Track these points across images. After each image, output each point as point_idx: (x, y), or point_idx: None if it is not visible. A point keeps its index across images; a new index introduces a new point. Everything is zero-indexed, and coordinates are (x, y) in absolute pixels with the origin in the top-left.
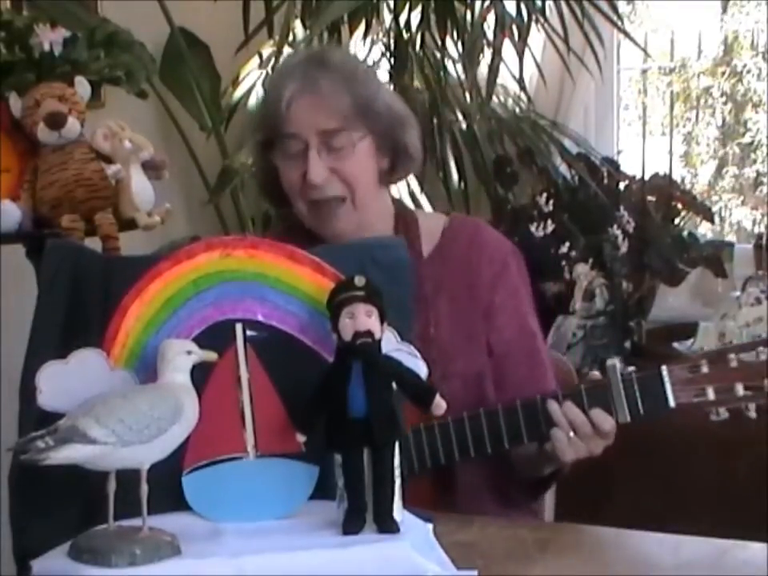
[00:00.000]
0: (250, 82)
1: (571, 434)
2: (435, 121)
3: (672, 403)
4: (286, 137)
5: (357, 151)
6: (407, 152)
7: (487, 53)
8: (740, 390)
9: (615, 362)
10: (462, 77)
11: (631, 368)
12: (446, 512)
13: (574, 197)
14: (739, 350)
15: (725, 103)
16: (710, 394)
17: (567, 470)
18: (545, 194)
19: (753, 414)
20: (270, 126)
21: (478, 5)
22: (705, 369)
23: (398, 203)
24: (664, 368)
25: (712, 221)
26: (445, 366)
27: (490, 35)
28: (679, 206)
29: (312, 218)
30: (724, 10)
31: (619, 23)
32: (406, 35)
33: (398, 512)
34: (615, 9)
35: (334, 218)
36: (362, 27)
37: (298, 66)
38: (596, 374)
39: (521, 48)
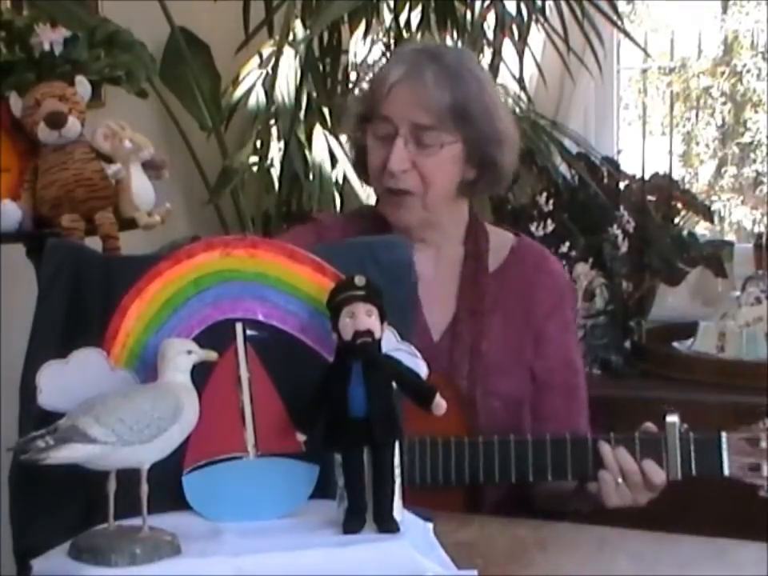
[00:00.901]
0: (250, 81)
1: (620, 479)
2: None
3: (726, 471)
4: (380, 118)
5: (443, 152)
6: (496, 169)
7: (487, 53)
8: None
9: (675, 420)
10: None
11: (686, 425)
12: None
13: (574, 197)
14: None
15: (724, 103)
16: (765, 471)
17: (587, 511)
18: (545, 194)
19: None
20: (369, 103)
21: (477, 5)
22: (764, 444)
23: (473, 214)
24: (724, 435)
25: (712, 220)
26: (489, 383)
27: (490, 35)
28: (679, 205)
29: (383, 203)
30: (724, 10)
31: (619, 23)
32: (406, 35)
33: (398, 512)
34: (615, 9)
35: (401, 209)
36: (362, 27)
37: (411, 53)
38: (650, 425)
39: (521, 48)
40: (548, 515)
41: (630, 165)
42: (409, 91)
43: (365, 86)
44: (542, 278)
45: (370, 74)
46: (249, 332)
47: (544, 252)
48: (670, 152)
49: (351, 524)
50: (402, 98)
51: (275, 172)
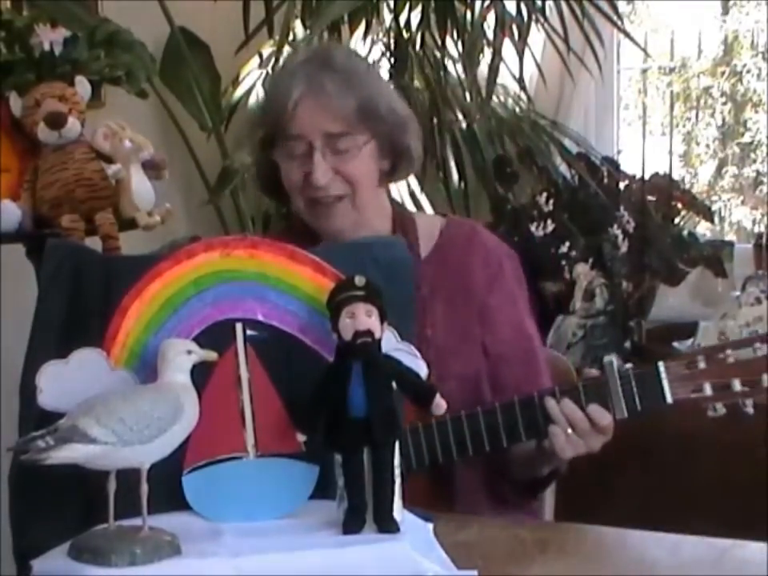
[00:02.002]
0: (250, 81)
1: (569, 430)
2: (435, 121)
3: (669, 399)
4: (290, 138)
5: (361, 154)
6: (409, 153)
7: (487, 53)
8: (737, 385)
9: (612, 359)
10: (462, 77)
11: (628, 364)
12: (444, 511)
13: (574, 197)
14: (736, 345)
15: (725, 103)
16: (707, 390)
17: (565, 470)
18: (545, 194)
19: (750, 410)
20: (273, 124)
21: (477, 5)
22: (702, 365)
23: (396, 204)
24: (661, 364)
25: (712, 220)
26: (441, 367)
27: (490, 35)
28: (679, 205)
29: (310, 214)
30: (724, 10)
31: (619, 23)
32: (406, 35)
33: (398, 512)
34: (615, 9)
35: (331, 216)
36: (362, 27)
37: (302, 66)
38: (593, 371)
39: (521, 48)
40: (532, 484)
41: (630, 165)
42: (314, 104)
43: (261, 109)
44: (475, 253)
45: (262, 96)
46: (249, 332)
47: (474, 227)
48: (670, 152)
49: (351, 524)
50: (309, 113)
51: None
